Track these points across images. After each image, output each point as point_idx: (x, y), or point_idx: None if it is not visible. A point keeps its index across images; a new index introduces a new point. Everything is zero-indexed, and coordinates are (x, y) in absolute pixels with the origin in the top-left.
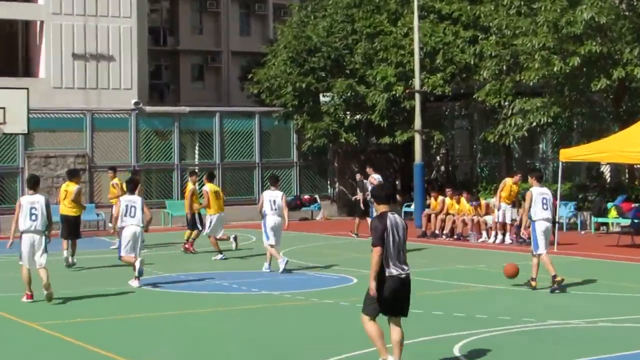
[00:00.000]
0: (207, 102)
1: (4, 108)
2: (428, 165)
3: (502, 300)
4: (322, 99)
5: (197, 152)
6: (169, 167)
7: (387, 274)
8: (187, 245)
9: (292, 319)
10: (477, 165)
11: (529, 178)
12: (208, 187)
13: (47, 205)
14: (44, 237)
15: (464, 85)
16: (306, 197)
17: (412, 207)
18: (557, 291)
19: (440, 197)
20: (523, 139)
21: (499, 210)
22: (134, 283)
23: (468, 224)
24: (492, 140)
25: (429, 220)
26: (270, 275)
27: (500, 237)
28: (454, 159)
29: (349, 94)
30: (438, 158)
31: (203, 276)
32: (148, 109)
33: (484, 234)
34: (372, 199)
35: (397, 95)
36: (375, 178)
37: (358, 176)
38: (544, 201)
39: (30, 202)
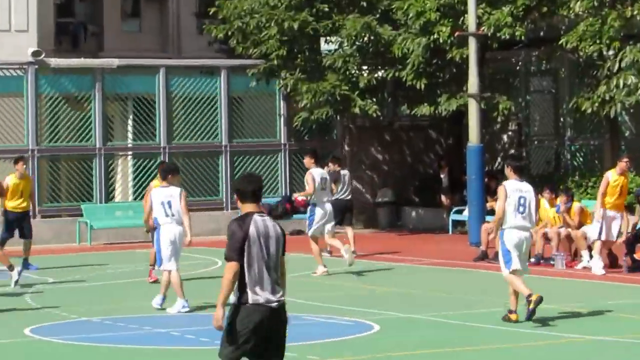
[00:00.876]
0: (145, 51)
1: None
2: (490, 149)
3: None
4: (324, 46)
5: (130, 128)
6: (86, 153)
7: (250, 301)
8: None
9: None
10: (565, 149)
11: (505, 167)
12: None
13: None
14: None
15: (544, 25)
16: (300, 198)
17: (466, 213)
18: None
19: None
20: (637, 108)
21: (601, 220)
22: None
23: (553, 240)
24: (590, 110)
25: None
26: None
27: (598, 259)
28: (529, 139)
29: (365, 39)
30: (505, 137)
31: (136, 321)
32: (53, 61)
33: (585, 255)
34: (235, 195)
35: (441, 40)
36: (314, 175)
37: (330, 167)
38: (521, 201)
39: None
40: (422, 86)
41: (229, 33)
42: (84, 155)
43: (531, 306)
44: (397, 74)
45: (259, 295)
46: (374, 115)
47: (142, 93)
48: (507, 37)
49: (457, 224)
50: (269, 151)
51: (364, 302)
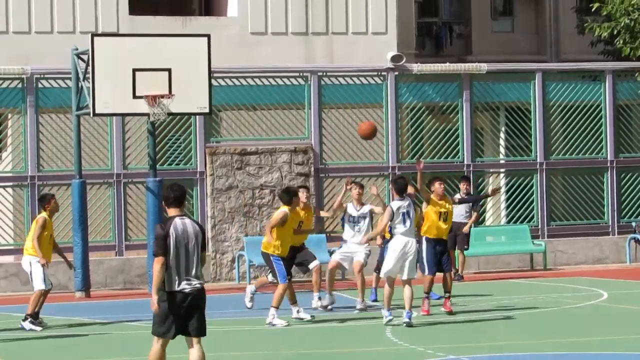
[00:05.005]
0: (518, 54)
1: (168, 70)
2: None
3: None
4: None
5: (502, 142)
6: (452, 169)
7: (171, 288)
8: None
9: None
10: None
11: None
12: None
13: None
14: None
15: None
16: None
17: None
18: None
19: None
20: None
21: None
22: None
23: None
24: None
25: None
26: None
27: None
28: None
29: None
30: None
31: None
32: (416, 67)
33: None
34: (162, 203)
35: None
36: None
37: (463, 187)
38: None
39: None
40: None
41: (615, 32)
42: (451, 172)
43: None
44: None
45: (177, 282)
46: None
47: (515, 101)
48: None
49: None
50: None
51: None
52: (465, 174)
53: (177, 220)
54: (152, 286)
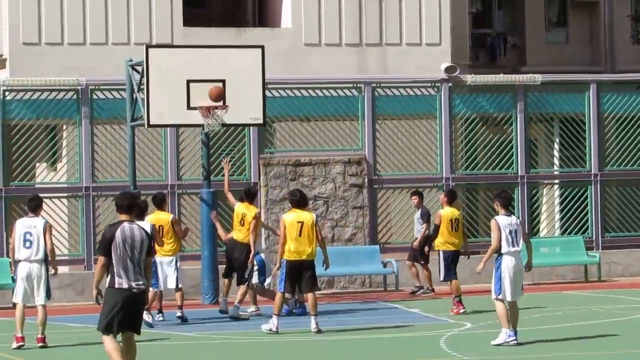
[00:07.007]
0: (572, 64)
1: (222, 81)
2: None
3: None
4: None
5: (556, 153)
6: (507, 181)
7: (116, 285)
8: None
9: None
10: None
11: None
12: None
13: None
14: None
15: None
16: None
17: None
18: None
19: None
20: None
21: None
22: None
23: None
24: None
25: None
26: None
27: None
28: None
29: None
30: None
31: None
32: (470, 78)
33: None
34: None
35: None
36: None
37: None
38: None
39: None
40: None
41: None
42: (505, 184)
43: None
44: None
45: (120, 281)
46: None
47: (569, 113)
48: None
49: None
50: None
51: None
52: (520, 185)
53: (125, 225)
54: (93, 282)
